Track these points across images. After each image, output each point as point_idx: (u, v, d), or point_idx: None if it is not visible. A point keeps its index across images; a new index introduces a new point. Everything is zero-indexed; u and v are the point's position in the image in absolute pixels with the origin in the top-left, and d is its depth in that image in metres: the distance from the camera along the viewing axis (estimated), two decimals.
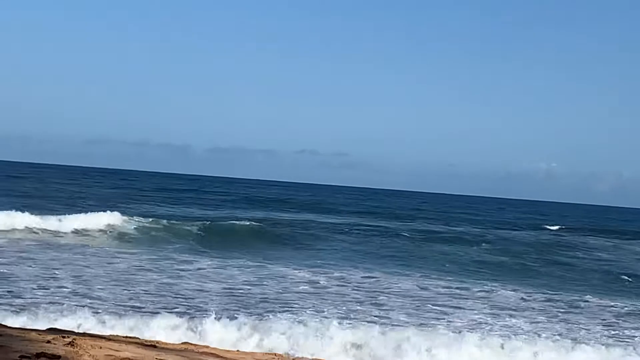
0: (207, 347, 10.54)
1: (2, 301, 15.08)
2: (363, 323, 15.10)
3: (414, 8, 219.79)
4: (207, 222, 37.15)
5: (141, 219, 35.43)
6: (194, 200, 66.12)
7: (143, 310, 15.13)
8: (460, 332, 14.95)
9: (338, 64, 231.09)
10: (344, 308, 17.57)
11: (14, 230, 29.53)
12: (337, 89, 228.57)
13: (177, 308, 15.71)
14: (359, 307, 18.01)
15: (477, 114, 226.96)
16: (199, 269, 22.72)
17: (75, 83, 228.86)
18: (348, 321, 15.22)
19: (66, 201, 48.10)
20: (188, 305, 16.26)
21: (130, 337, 10.56)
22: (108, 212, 34.31)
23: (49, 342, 9.29)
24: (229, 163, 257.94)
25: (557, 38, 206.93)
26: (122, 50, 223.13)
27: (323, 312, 16.60)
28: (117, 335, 10.71)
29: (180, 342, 10.98)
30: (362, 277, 23.97)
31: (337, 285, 21.48)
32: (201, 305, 16.40)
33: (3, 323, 11.00)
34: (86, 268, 20.81)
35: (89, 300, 15.90)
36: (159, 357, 9.07)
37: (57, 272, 19.46)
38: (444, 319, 17.51)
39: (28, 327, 10.99)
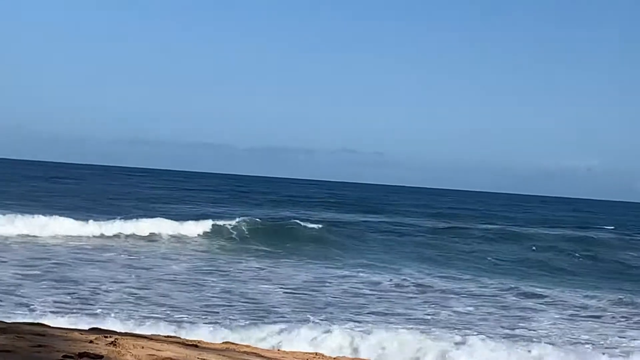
0: (248, 346, 10.51)
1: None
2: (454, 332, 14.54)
3: (463, 10, 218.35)
4: (267, 222, 36.98)
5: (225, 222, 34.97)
6: (242, 199, 66.44)
7: (230, 318, 14.94)
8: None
9: (375, 64, 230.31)
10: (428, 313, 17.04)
11: (114, 237, 29.54)
12: (375, 88, 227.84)
13: (267, 317, 15.43)
14: (447, 313, 17.59)
15: (513, 112, 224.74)
16: (273, 273, 22.72)
17: (113, 83, 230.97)
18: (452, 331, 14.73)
19: (130, 204, 48.47)
20: (277, 313, 16.01)
21: (171, 337, 10.57)
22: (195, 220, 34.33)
23: (91, 341, 9.31)
24: (267, 162, 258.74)
25: (594, 35, 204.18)
26: (156, 49, 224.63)
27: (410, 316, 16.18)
28: (159, 335, 10.73)
29: (221, 342, 10.98)
30: (435, 278, 23.84)
31: (417, 289, 21.09)
32: (301, 311, 16.07)
33: (46, 323, 11.09)
34: (180, 280, 20.53)
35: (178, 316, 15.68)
36: (200, 357, 9.05)
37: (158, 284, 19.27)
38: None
39: (70, 327, 11.05)
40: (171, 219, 34.08)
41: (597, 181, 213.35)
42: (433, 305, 18.88)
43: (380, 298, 19.44)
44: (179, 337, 10.64)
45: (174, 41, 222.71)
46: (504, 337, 15.10)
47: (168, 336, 10.73)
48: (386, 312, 17.42)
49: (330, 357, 10.24)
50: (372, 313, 17.08)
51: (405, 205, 76.99)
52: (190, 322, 14.39)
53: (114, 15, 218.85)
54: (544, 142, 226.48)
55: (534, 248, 38.00)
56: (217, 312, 15.87)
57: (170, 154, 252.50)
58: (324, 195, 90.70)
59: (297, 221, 38.69)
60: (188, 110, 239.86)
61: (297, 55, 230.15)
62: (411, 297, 20.06)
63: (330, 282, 21.62)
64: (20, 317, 12.95)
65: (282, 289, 19.68)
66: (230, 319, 15.20)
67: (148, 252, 26.20)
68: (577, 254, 36.68)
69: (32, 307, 14.79)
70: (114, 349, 9.24)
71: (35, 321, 11.50)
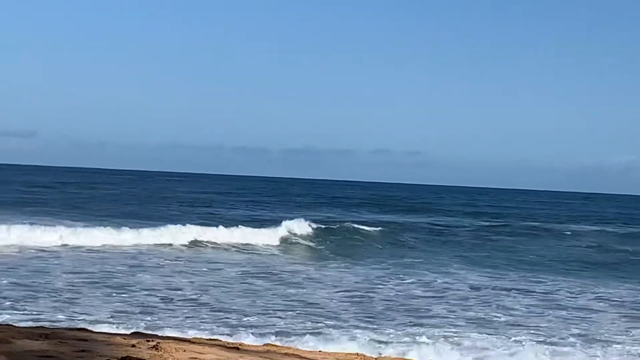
0: (290, 348, 10.49)
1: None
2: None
3: (493, 10, 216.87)
4: (322, 224, 36.63)
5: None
6: (285, 201, 66.52)
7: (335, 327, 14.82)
8: None
9: (409, 63, 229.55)
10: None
11: (191, 244, 29.23)
12: (409, 87, 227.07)
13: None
14: (509, 314, 17.36)
15: (550, 109, 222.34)
16: (337, 276, 22.61)
17: (146, 88, 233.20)
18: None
19: (173, 208, 48.77)
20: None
21: (213, 340, 10.57)
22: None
23: (133, 345, 9.36)
24: (303, 164, 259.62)
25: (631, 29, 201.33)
26: (189, 54, 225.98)
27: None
28: (201, 338, 10.74)
29: (262, 344, 10.96)
30: (483, 276, 23.68)
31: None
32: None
33: (88, 328, 11.16)
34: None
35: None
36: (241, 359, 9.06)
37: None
38: None
39: (112, 332, 11.10)
40: (220, 223, 33.75)
41: (636, 176, 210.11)
42: (493, 306, 18.46)
43: (440, 300, 19.02)
44: (221, 340, 10.65)
45: (203, 44, 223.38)
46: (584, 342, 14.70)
47: (210, 339, 10.74)
48: (450, 315, 17.03)
49: (372, 357, 10.17)
50: (439, 316, 16.70)
51: (446, 204, 76.40)
52: (251, 326, 14.24)
53: (148, 20, 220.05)
54: (582, 139, 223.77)
55: (581, 245, 37.57)
56: (280, 317, 15.60)
57: (204, 158, 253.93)
58: (365, 195, 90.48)
59: (352, 224, 38.41)
60: (223, 115, 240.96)
61: (329, 57, 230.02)
62: (477, 298, 19.66)
63: (393, 284, 21.18)
64: (81, 324, 12.96)
65: (350, 292, 19.41)
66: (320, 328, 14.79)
67: (200, 257, 26.00)
68: (628, 250, 36.08)
69: (91, 314, 14.74)
70: (156, 352, 9.27)
71: (78, 326, 11.59)
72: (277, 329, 14.01)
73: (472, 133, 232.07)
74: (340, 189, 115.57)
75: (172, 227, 30.82)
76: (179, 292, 18.09)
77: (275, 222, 35.43)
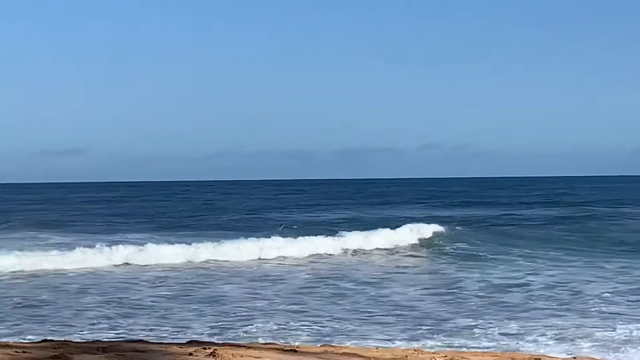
0: (347, 347, 10.43)
1: None
2: None
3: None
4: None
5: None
6: (349, 202, 66.13)
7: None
8: None
9: (450, 55, 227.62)
10: None
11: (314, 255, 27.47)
12: (455, 79, 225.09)
13: None
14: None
15: (601, 93, 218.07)
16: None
17: (191, 101, 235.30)
18: None
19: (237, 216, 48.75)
20: None
21: (269, 344, 10.58)
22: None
23: (190, 354, 9.40)
24: (351, 164, 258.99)
25: None
26: (239, 61, 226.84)
27: None
28: (257, 343, 10.76)
29: (320, 345, 10.93)
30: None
31: None
32: None
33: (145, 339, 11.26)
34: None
35: None
36: None
37: None
38: None
39: (168, 342, 11.18)
40: (337, 229, 32.76)
41: None
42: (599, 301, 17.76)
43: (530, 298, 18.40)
44: (277, 343, 10.65)
45: (246, 51, 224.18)
46: None
47: (266, 343, 10.74)
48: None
49: (429, 352, 10.05)
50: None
51: (509, 196, 75.22)
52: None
53: (193, 33, 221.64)
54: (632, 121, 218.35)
55: None
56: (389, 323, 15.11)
57: (254, 164, 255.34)
58: (424, 192, 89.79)
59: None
60: (269, 121, 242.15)
61: (371, 55, 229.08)
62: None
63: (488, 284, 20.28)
64: (184, 338, 12.89)
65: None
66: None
67: (291, 267, 25.09)
68: None
69: (191, 328, 14.71)
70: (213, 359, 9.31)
71: (137, 338, 11.69)
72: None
73: (519, 122, 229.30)
74: (397, 187, 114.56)
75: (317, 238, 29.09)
76: (266, 301, 17.68)
77: (384, 222, 34.26)
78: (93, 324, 15.04)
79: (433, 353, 9.92)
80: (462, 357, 9.57)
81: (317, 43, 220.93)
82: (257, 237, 29.27)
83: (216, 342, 11.02)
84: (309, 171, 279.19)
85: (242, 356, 9.44)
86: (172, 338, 13.05)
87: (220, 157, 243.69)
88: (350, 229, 32.75)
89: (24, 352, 9.25)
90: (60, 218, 46.29)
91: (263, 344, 10.66)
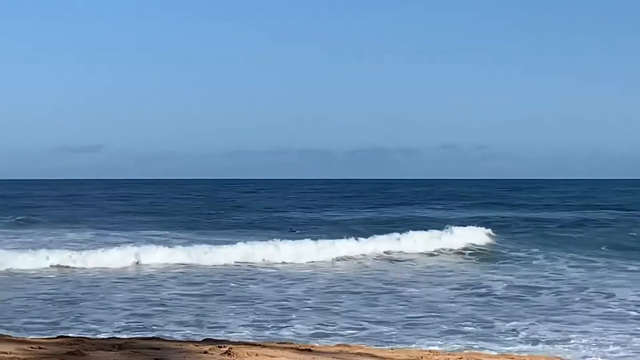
0: (362, 347, 10.40)
1: None
2: None
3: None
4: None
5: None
6: (372, 201, 65.59)
7: None
8: None
9: (467, 55, 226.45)
10: None
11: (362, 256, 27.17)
12: (471, 80, 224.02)
13: None
14: None
15: (620, 96, 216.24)
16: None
17: (208, 99, 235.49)
18: None
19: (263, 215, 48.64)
20: None
21: (284, 343, 10.57)
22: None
23: (205, 352, 9.41)
24: (368, 165, 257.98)
25: None
26: (253, 62, 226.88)
27: None
28: (272, 342, 10.75)
29: (335, 345, 10.90)
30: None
31: None
32: None
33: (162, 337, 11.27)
34: None
35: None
36: None
37: None
38: None
39: (185, 340, 11.19)
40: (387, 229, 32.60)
41: None
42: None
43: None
44: (293, 343, 10.63)
45: (260, 47, 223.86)
46: None
47: (281, 342, 10.73)
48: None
49: (444, 353, 10.01)
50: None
51: (531, 198, 74.35)
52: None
53: (206, 32, 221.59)
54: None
55: None
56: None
57: (271, 163, 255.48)
58: (445, 193, 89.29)
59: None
60: (286, 120, 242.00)
61: (390, 52, 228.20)
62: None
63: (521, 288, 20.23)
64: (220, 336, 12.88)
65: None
66: None
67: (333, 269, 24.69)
68: None
69: (225, 327, 14.65)
70: (228, 358, 9.30)
71: (152, 336, 11.71)
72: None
73: (536, 123, 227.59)
74: (415, 187, 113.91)
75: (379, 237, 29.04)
76: (298, 301, 17.47)
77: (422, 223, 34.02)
78: (128, 322, 15.04)
79: (448, 354, 9.87)
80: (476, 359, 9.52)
81: (337, 43, 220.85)
82: (275, 236, 28.96)
83: (231, 340, 11.02)
84: (326, 171, 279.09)
85: (257, 355, 9.43)
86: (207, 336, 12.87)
87: (236, 155, 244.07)
88: (386, 230, 31.99)
89: (39, 347, 9.29)
90: (81, 214, 46.41)
91: (278, 343, 10.65)
